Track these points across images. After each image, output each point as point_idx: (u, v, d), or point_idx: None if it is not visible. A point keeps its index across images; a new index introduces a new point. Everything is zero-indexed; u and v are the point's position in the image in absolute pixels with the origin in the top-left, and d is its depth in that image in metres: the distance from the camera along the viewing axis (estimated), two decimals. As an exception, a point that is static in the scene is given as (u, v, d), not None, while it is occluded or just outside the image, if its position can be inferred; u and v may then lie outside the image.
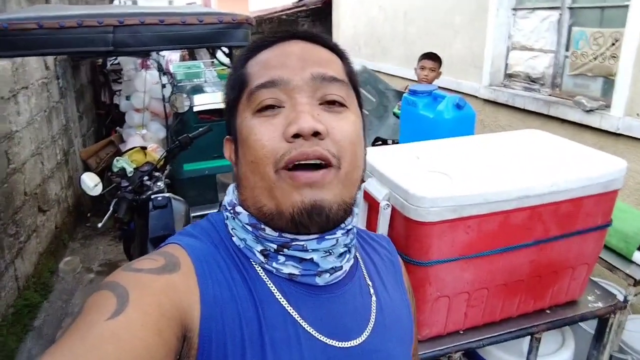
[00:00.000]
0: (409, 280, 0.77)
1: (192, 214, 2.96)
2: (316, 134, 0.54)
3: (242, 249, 0.60)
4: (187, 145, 2.73)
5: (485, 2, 3.74)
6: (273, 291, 0.57)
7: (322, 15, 7.59)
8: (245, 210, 0.59)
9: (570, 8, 3.14)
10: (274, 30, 0.64)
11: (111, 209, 2.45)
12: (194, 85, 4.77)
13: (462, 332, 1.28)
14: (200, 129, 2.83)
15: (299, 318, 0.57)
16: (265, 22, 7.59)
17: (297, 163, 0.54)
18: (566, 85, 3.23)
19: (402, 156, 1.31)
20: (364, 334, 0.61)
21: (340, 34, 6.80)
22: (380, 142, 3.15)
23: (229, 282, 0.56)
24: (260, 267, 0.59)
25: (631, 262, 1.53)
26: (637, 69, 2.54)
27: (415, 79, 3.44)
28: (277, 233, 0.57)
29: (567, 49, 3.17)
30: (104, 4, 5.26)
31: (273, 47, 0.61)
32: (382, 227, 1.16)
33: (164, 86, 4.54)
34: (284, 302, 0.57)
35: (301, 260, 0.58)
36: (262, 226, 0.57)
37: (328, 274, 0.60)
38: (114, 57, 5.54)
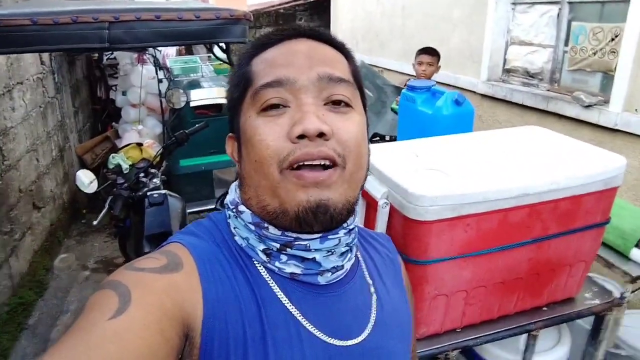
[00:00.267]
0: (408, 279, 0.78)
1: (188, 210, 2.95)
2: (321, 134, 0.53)
3: (244, 248, 0.60)
4: (184, 141, 2.72)
5: (484, -3, 3.73)
6: (275, 290, 0.58)
7: (320, 9, 7.55)
8: (248, 209, 0.59)
9: (570, 2, 3.12)
10: (280, 27, 0.63)
11: (107, 206, 2.43)
12: (191, 80, 4.74)
13: (459, 330, 1.27)
14: (197, 125, 2.81)
15: (301, 317, 0.57)
16: (262, 16, 7.54)
17: (301, 164, 0.53)
18: (565, 81, 3.22)
19: (400, 154, 1.30)
20: (365, 332, 0.62)
21: (338, 28, 6.77)
22: (378, 138, 3.14)
23: (232, 281, 0.56)
24: (262, 266, 0.59)
25: (628, 259, 1.53)
26: (637, 64, 2.53)
27: (414, 74, 3.43)
28: (280, 232, 0.57)
29: (566, 44, 3.16)
30: (100, 0, 5.22)
31: (279, 44, 0.60)
32: (380, 225, 1.15)
33: (160, 81, 4.51)
34: (286, 301, 0.57)
35: (303, 259, 0.58)
36: (266, 225, 0.57)
37: (330, 273, 0.60)
38: (110, 52, 5.50)
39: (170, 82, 4.65)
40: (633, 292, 1.48)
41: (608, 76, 2.80)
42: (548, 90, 3.29)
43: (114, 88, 5.78)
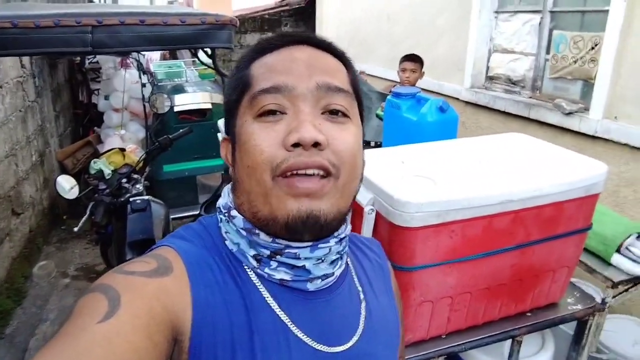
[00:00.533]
0: (397, 285, 0.78)
1: (172, 216, 2.91)
2: (316, 144, 0.53)
3: (234, 253, 0.60)
4: (167, 147, 2.69)
5: (468, 5, 3.78)
6: (264, 296, 0.57)
7: (306, 15, 7.57)
8: (241, 214, 0.59)
9: (552, 12, 3.18)
10: (281, 33, 0.63)
11: (88, 212, 2.39)
12: (175, 84, 4.70)
13: (444, 337, 1.27)
14: (181, 130, 2.78)
15: (290, 323, 0.57)
16: (248, 21, 7.53)
17: (294, 172, 0.53)
18: (546, 88, 3.27)
19: (386, 160, 1.30)
20: (353, 338, 0.62)
21: (324, 35, 6.77)
22: (363, 144, 3.14)
23: (221, 286, 0.56)
24: (252, 272, 0.59)
25: (610, 264, 1.55)
26: (616, 72, 2.59)
27: (399, 80, 3.45)
28: (271, 239, 0.57)
29: (547, 52, 3.21)
30: (83, 4, 5.15)
31: (280, 50, 0.59)
32: (366, 232, 1.15)
33: (144, 85, 4.46)
34: (275, 307, 0.57)
35: (293, 267, 0.58)
36: (257, 231, 0.57)
37: (319, 280, 0.60)
38: (93, 56, 5.42)
39: (154, 87, 4.61)
40: (614, 297, 1.50)
41: (588, 84, 2.86)
42: (530, 98, 3.34)
43: (96, 92, 5.69)
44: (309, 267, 0.58)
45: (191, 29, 2.02)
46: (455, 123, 1.88)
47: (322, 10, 6.89)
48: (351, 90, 0.60)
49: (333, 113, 0.57)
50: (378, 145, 2.76)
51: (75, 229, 2.35)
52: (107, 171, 2.70)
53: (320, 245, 0.57)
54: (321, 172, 0.54)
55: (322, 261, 0.59)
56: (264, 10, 7.97)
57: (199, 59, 2.67)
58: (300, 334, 0.57)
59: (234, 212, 0.60)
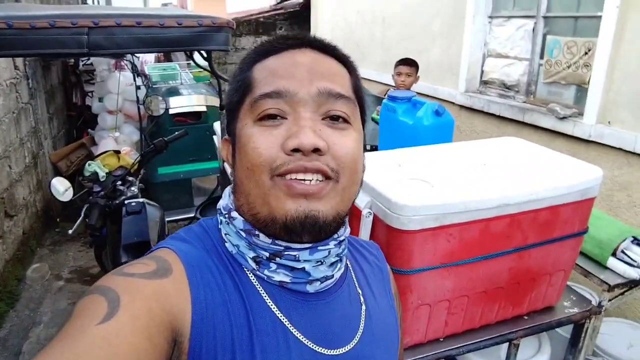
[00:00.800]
0: (396, 287, 0.78)
1: (167, 219, 2.90)
2: (316, 150, 0.53)
3: (234, 255, 0.60)
4: (163, 149, 2.68)
5: (462, 9, 3.80)
6: (264, 297, 0.58)
7: (300, 18, 7.58)
8: (241, 216, 0.59)
9: (545, 17, 3.20)
10: (285, 34, 0.63)
11: (82, 214, 2.37)
12: (170, 87, 4.69)
13: (442, 340, 1.27)
14: (177, 133, 2.78)
15: (289, 325, 0.57)
16: (242, 24, 7.52)
17: (293, 177, 0.53)
18: (540, 93, 3.29)
19: (383, 163, 1.30)
20: (353, 341, 0.62)
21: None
22: (360, 148, 3.14)
23: (220, 288, 0.56)
24: (251, 274, 0.59)
25: (606, 268, 1.56)
26: (609, 78, 2.61)
27: (393, 84, 3.46)
28: (271, 240, 0.57)
29: (541, 57, 3.24)
30: (78, 5, 5.11)
31: (283, 53, 0.59)
32: (364, 235, 1.15)
33: (138, 88, 4.44)
34: (275, 309, 0.57)
35: (292, 269, 0.58)
36: (257, 232, 0.57)
37: (319, 282, 0.60)
38: (87, 58, 5.40)
39: (148, 89, 4.59)
40: (610, 300, 1.51)
41: (582, 89, 2.88)
42: (524, 102, 3.36)
43: (90, 94, 5.67)
44: (309, 270, 0.58)
45: (188, 31, 2.01)
46: (451, 127, 1.89)
47: (317, 14, 6.91)
48: (353, 96, 0.60)
49: (334, 119, 0.57)
50: (374, 148, 2.76)
51: (70, 232, 2.33)
52: (102, 173, 2.69)
53: (319, 248, 0.57)
54: (320, 177, 0.54)
55: (322, 263, 0.59)
56: (259, 13, 7.98)
57: (194, 62, 2.67)
58: (299, 336, 0.57)
59: (234, 214, 0.60)
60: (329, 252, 0.59)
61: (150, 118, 4.03)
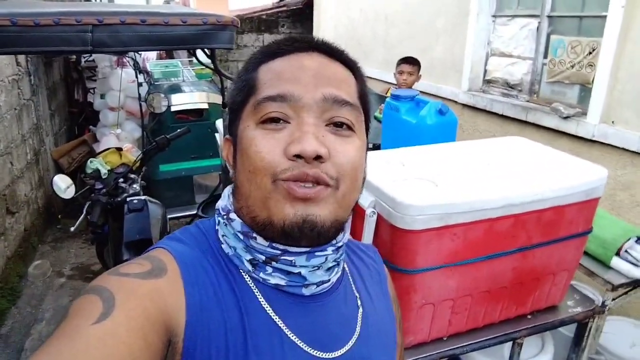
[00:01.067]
0: (394, 290, 0.77)
1: (169, 216, 2.90)
2: (318, 157, 0.52)
3: (230, 257, 0.59)
4: (165, 147, 2.68)
5: (466, 8, 3.78)
6: (259, 299, 0.57)
7: (303, 16, 7.56)
8: (240, 218, 0.59)
9: (549, 16, 3.19)
10: (293, 36, 0.62)
11: (84, 212, 2.37)
12: (172, 84, 4.68)
13: (445, 339, 1.27)
14: (179, 130, 2.77)
15: (284, 327, 0.57)
16: (245, 21, 7.51)
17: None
18: (543, 92, 3.28)
19: (387, 162, 1.30)
20: (349, 343, 0.61)
21: (321, 36, 6.77)
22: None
23: (215, 289, 0.56)
24: (247, 275, 0.59)
25: (609, 267, 1.56)
26: (613, 77, 2.60)
27: (396, 83, 3.45)
28: (268, 243, 0.56)
29: (545, 57, 3.23)
30: (82, 2, 5.11)
31: (289, 56, 0.58)
32: (368, 234, 1.15)
33: (140, 85, 4.44)
34: (270, 311, 0.57)
35: (288, 272, 0.58)
36: (254, 235, 0.57)
37: (315, 286, 0.60)
38: (89, 55, 5.40)
39: (150, 86, 4.59)
40: (614, 299, 1.50)
41: (586, 89, 2.87)
42: (527, 101, 3.35)
43: (92, 91, 5.67)
44: (305, 274, 0.58)
45: (192, 29, 2.00)
46: (454, 126, 1.88)
47: (320, 12, 6.89)
48: (358, 103, 0.60)
49: (337, 125, 0.56)
50: (376, 147, 2.76)
51: (72, 229, 2.33)
52: (104, 171, 2.69)
53: (317, 254, 0.57)
54: (318, 186, 0.54)
55: (319, 268, 0.59)
56: (262, 10, 7.96)
57: (197, 59, 2.66)
58: (294, 338, 0.57)
59: (232, 215, 0.59)
60: (326, 259, 0.58)
61: (152, 115, 4.02)
